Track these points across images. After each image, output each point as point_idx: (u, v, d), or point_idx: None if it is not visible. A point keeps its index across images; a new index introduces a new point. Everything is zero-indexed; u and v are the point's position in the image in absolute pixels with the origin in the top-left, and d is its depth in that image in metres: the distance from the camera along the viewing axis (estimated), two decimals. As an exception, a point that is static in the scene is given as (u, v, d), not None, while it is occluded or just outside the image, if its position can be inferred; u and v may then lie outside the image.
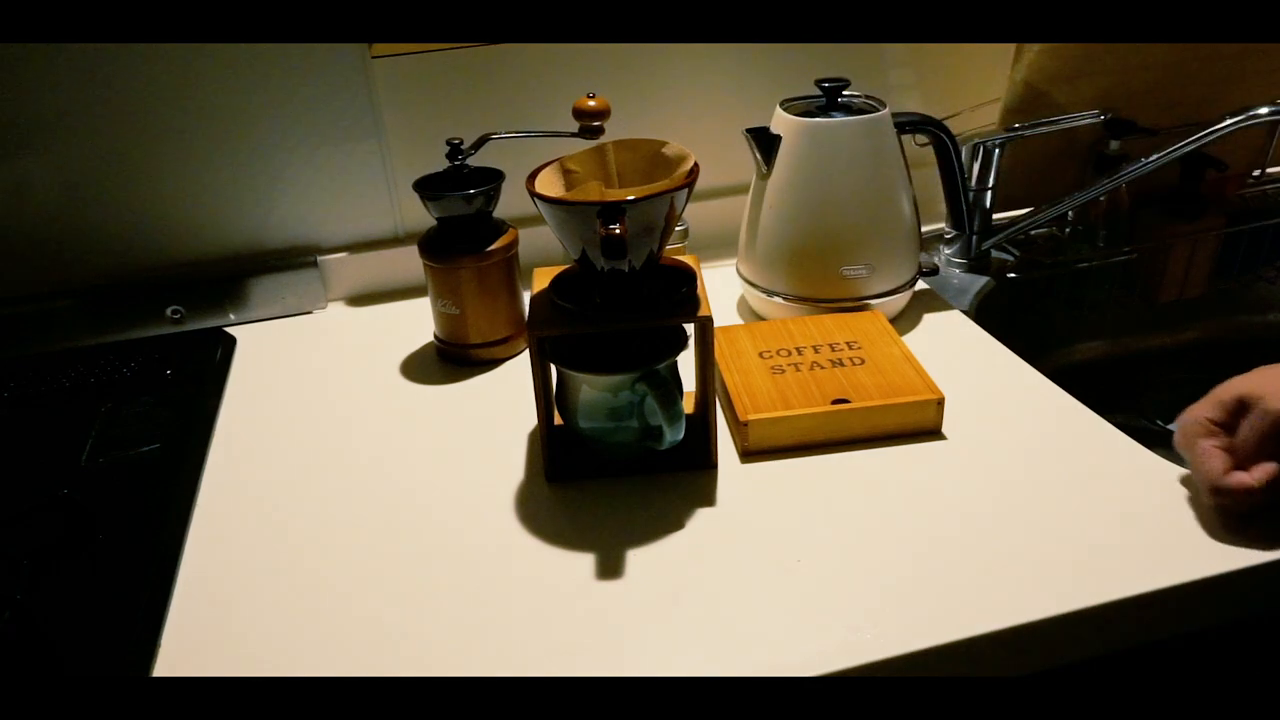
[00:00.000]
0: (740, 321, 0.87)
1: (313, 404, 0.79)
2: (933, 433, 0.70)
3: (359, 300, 0.96)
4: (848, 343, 0.77)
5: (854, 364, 0.74)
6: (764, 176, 0.82)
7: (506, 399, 0.77)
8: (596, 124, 0.73)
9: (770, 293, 0.84)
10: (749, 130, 0.81)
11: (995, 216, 0.96)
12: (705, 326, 0.64)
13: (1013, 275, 0.97)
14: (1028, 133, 0.93)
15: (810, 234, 0.81)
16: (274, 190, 0.92)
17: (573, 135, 0.73)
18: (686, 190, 0.60)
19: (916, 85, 1.02)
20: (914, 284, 0.85)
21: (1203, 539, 0.58)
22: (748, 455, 0.68)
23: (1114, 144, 0.97)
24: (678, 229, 0.89)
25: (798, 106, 0.82)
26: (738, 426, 0.69)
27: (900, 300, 0.85)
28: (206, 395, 0.80)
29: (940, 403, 0.69)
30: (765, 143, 0.81)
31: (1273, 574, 0.56)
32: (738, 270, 0.88)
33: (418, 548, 0.62)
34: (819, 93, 0.82)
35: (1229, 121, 0.85)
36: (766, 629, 0.54)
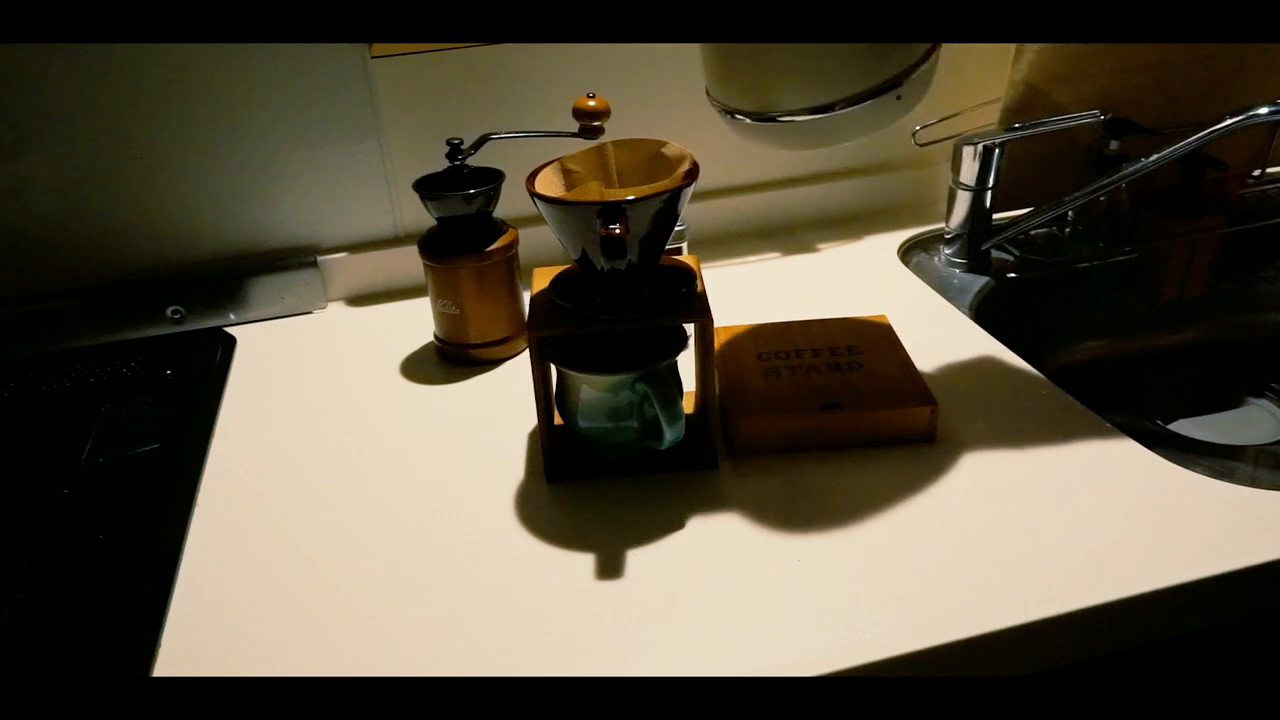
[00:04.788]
0: (740, 322, 0.87)
1: (313, 404, 0.79)
2: (929, 435, 0.69)
3: (359, 300, 0.96)
4: (848, 347, 0.76)
5: (851, 369, 0.74)
6: None
7: (506, 399, 0.77)
8: (596, 124, 0.73)
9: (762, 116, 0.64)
10: None
11: (995, 216, 0.96)
12: (705, 326, 0.64)
13: (1013, 275, 0.97)
14: (1028, 133, 0.93)
15: None
16: (274, 190, 0.92)
17: (573, 135, 0.73)
18: (687, 190, 0.60)
19: (916, 85, 1.02)
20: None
21: (1203, 539, 0.58)
22: (743, 456, 0.68)
23: (1114, 144, 0.97)
24: (678, 229, 0.89)
25: None
26: (734, 427, 0.69)
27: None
28: (206, 395, 0.80)
29: (933, 411, 0.68)
30: None
31: (1273, 574, 0.56)
32: (708, 93, 0.69)
33: (418, 548, 0.62)
34: None
35: (1229, 121, 0.85)
36: (766, 629, 0.54)
